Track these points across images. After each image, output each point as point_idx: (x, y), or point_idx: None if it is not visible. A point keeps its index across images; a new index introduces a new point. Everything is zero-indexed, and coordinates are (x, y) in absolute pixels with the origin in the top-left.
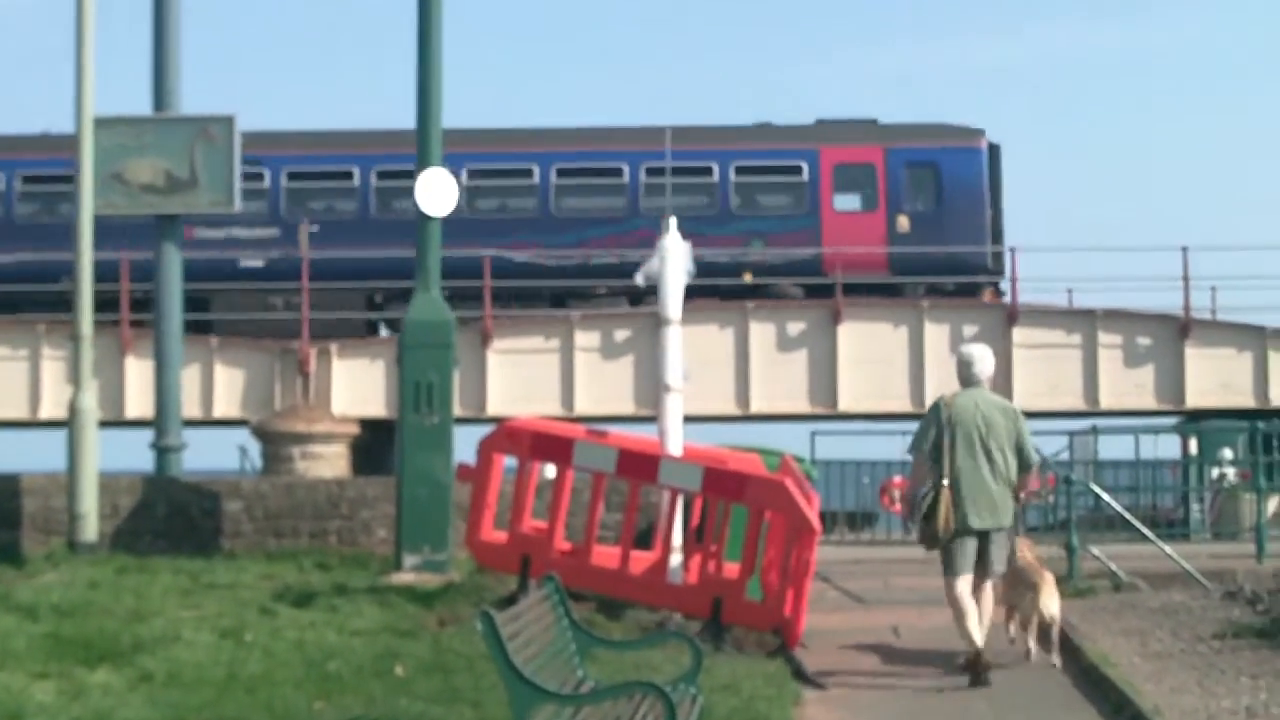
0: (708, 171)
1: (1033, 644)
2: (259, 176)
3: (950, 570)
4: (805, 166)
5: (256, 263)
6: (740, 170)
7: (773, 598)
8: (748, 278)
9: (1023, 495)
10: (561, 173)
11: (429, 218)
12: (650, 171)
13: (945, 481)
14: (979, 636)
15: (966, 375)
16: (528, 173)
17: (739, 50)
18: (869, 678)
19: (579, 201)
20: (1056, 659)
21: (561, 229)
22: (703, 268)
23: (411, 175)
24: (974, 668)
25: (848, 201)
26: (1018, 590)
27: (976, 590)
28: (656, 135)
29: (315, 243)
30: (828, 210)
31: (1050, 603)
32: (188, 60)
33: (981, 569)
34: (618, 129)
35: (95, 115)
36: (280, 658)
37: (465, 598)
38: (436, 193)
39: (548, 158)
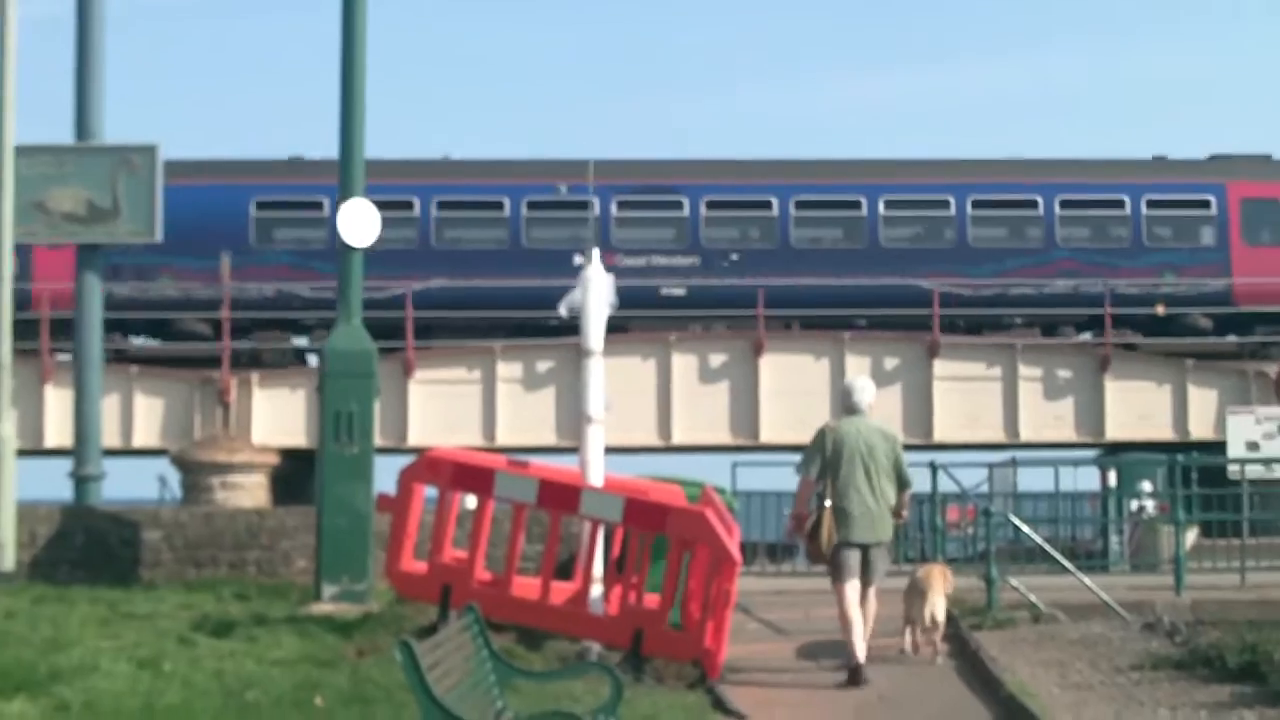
0: (1120, 204)
1: (919, 639)
2: (678, 205)
3: (838, 578)
4: (1214, 200)
5: (678, 291)
6: (1151, 204)
7: (693, 629)
8: (1160, 309)
9: (904, 513)
10: (977, 204)
11: (351, 249)
12: (1065, 204)
13: (828, 502)
14: (860, 652)
15: (850, 404)
16: (944, 204)
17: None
18: (790, 709)
19: (996, 233)
20: (940, 659)
21: (979, 260)
22: (1115, 299)
23: (822, 205)
24: (852, 675)
25: (1254, 235)
26: (910, 596)
27: (862, 599)
28: (1069, 168)
29: (736, 273)
30: (1236, 243)
31: (937, 607)
32: (112, 90)
33: (865, 579)
34: (1030, 161)
35: (16, 143)
36: (199, 688)
37: (385, 628)
38: (359, 224)
39: (964, 189)
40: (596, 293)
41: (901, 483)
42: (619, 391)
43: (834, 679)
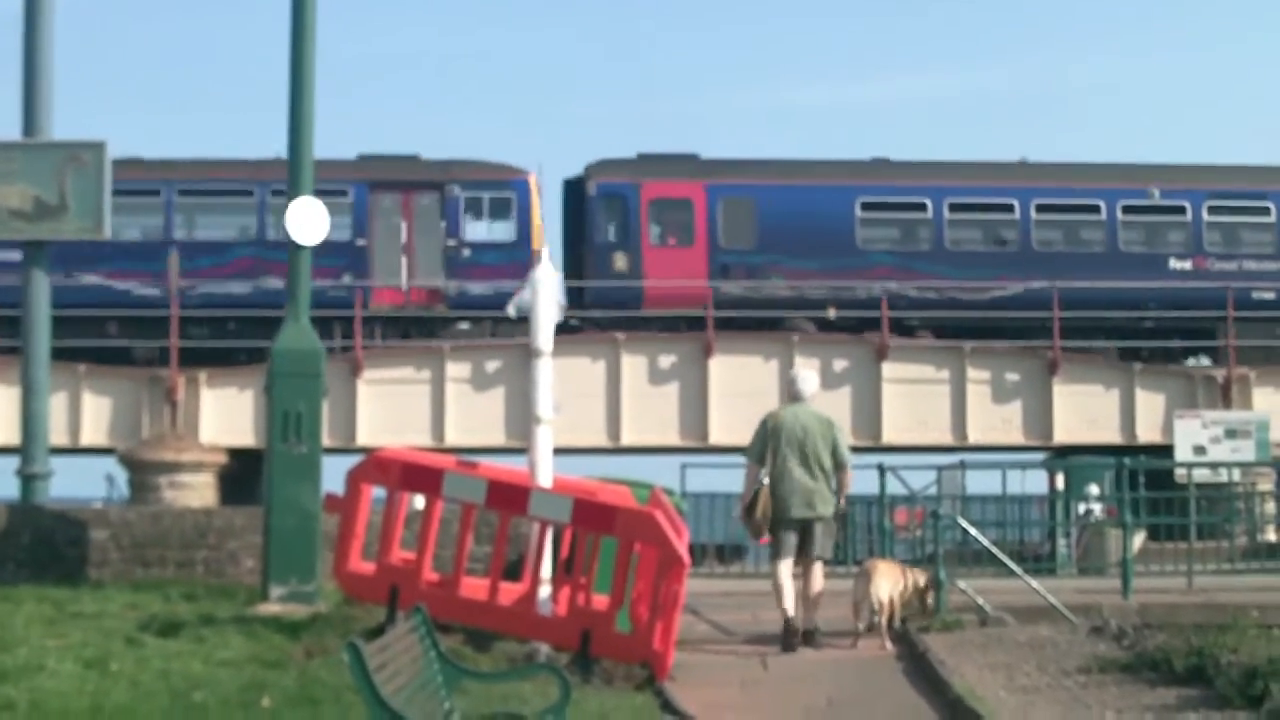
0: None
1: (861, 626)
2: (1266, 210)
3: (775, 555)
4: None
5: (1268, 294)
6: None
7: (642, 630)
8: None
9: (844, 493)
10: None
11: (300, 247)
12: None
13: (766, 481)
14: (790, 608)
15: (792, 393)
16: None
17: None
18: (736, 711)
19: None
20: (889, 645)
21: None
22: None
23: None
24: (786, 635)
25: None
26: (857, 580)
27: (806, 573)
28: None
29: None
30: None
31: (879, 589)
32: (61, 86)
33: (805, 554)
34: None
35: None
36: (146, 688)
37: (333, 629)
38: (307, 222)
39: None
40: (546, 293)
41: (839, 463)
42: (568, 392)
43: (782, 681)
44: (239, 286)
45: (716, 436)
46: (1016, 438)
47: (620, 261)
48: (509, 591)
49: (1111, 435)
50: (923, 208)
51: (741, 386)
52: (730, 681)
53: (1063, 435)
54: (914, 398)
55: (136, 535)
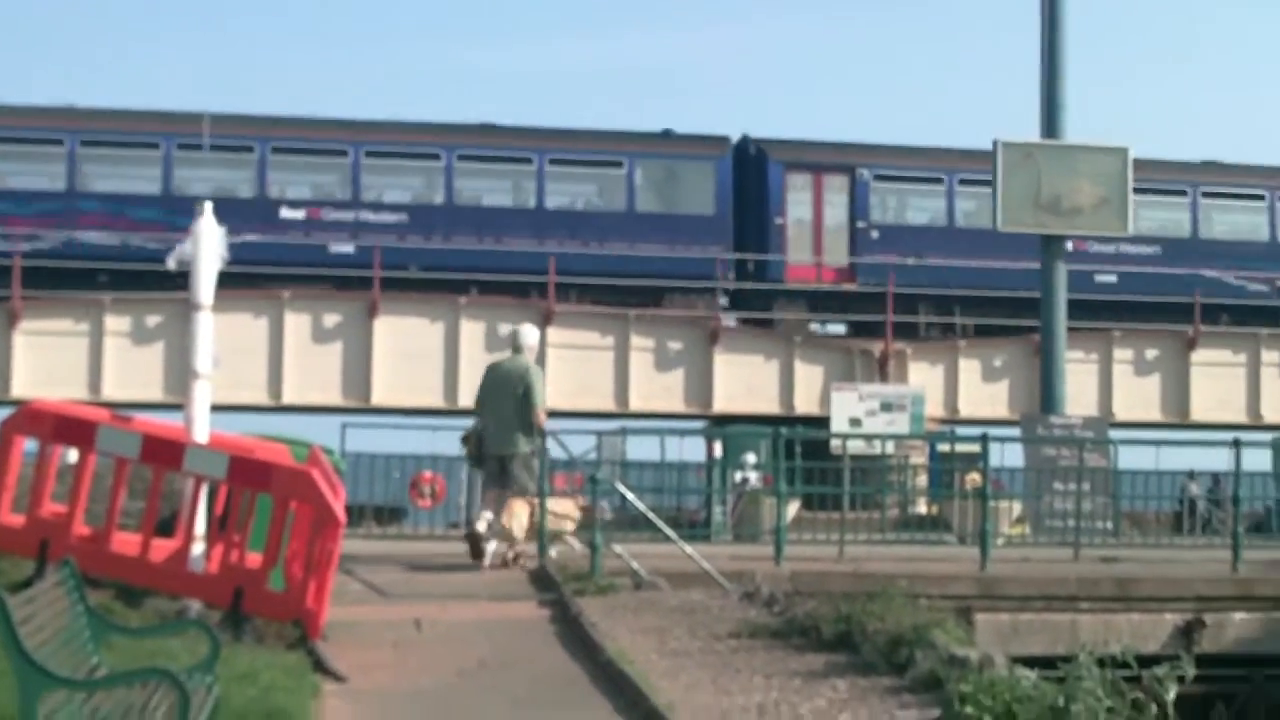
0: None
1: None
2: None
3: (484, 485)
4: None
5: None
6: None
7: (295, 589)
8: None
9: (538, 428)
10: None
11: None
12: None
13: (476, 424)
14: (479, 524)
15: (513, 345)
16: None
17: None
18: (388, 671)
19: None
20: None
21: None
22: None
23: None
24: (470, 539)
25: None
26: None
27: (501, 501)
28: None
29: None
30: None
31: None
32: None
33: (504, 485)
34: None
35: None
36: None
37: None
38: None
39: None
40: (207, 245)
41: (530, 404)
42: (229, 348)
43: (434, 642)
44: None
45: (379, 397)
46: (677, 405)
47: None
48: (162, 548)
49: (770, 405)
50: None
51: (406, 347)
52: (383, 642)
53: (722, 404)
54: (578, 363)
55: None
